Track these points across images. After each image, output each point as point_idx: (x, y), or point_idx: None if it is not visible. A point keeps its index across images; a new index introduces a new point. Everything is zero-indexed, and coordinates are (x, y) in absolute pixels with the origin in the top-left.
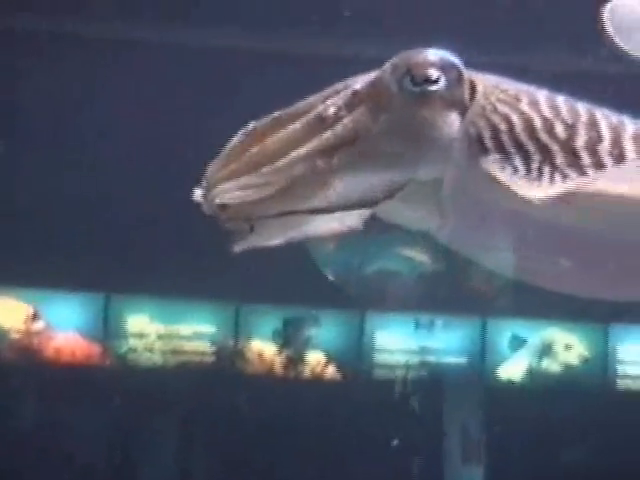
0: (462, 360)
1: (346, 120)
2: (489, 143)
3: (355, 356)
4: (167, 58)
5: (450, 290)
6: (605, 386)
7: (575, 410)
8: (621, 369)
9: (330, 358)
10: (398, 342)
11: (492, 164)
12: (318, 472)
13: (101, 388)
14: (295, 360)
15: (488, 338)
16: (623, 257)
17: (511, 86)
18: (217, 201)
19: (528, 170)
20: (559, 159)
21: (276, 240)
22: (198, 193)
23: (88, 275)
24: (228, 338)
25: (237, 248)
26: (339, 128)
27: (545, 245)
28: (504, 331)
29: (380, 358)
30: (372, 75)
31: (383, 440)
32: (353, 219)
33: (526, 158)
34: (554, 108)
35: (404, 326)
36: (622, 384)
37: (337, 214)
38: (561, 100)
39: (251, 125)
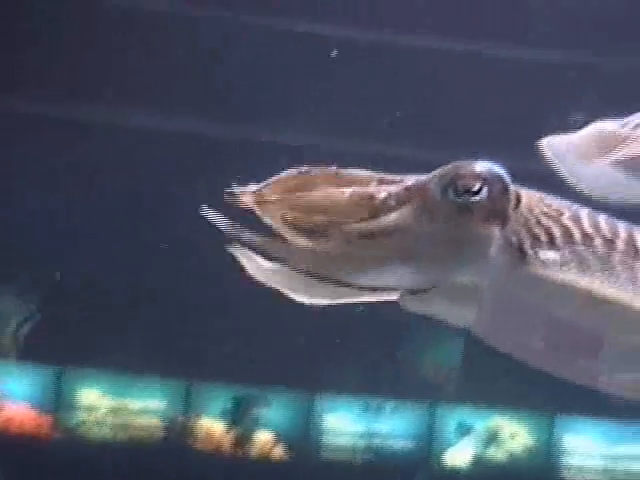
0: (409, 445)
1: (392, 212)
2: (530, 253)
3: (303, 437)
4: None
5: (400, 375)
6: (549, 476)
7: None
8: (565, 460)
9: (279, 438)
10: (346, 424)
11: (532, 270)
12: None
13: (50, 460)
14: (244, 439)
15: (435, 424)
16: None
17: (555, 201)
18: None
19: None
20: (595, 272)
21: (304, 297)
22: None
23: (40, 347)
24: (178, 415)
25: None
26: (383, 218)
27: (577, 346)
28: (451, 417)
29: (328, 440)
30: (423, 178)
31: None
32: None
33: (564, 268)
34: (595, 224)
35: (353, 408)
36: (566, 475)
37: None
38: (602, 217)
39: (306, 169)
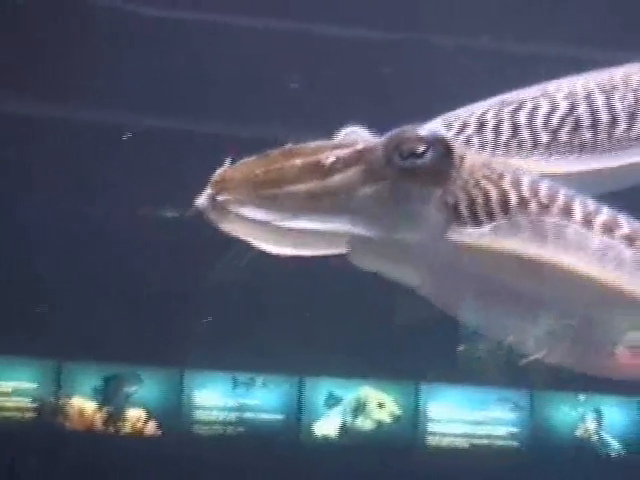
0: (279, 417)
1: (339, 174)
2: (464, 212)
3: (175, 413)
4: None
5: (270, 348)
6: (416, 443)
7: (387, 465)
8: (430, 426)
9: (150, 414)
10: (217, 399)
11: (462, 230)
12: None
13: None
14: (115, 416)
15: (305, 396)
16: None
17: (500, 165)
18: (216, 200)
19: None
20: (525, 235)
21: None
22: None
23: None
24: (49, 395)
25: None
26: (330, 179)
27: (508, 305)
28: (321, 389)
29: (199, 415)
30: (374, 142)
31: None
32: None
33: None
34: (534, 189)
35: (223, 384)
36: (431, 440)
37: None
38: (545, 183)
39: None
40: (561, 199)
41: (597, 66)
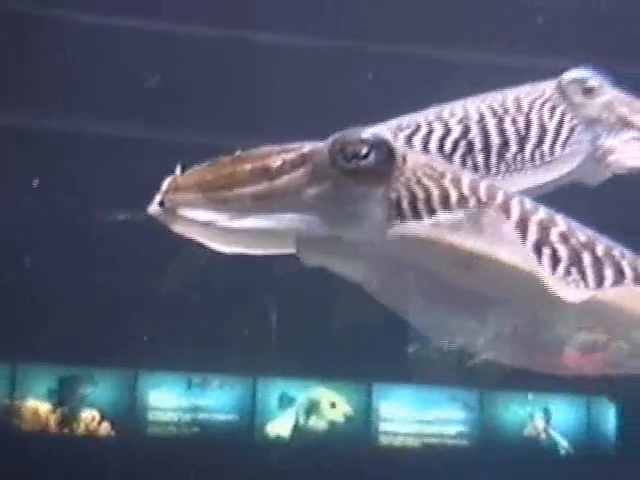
0: (233, 418)
1: (285, 177)
2: (406, 209)
3: (129, 413)
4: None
5: (223, 351)
6: (368, 442)
7: (339, 465)
8: (382, 426)
9: (104, 415)
10: (171, 400)
11: (402, 226)
12: None
13: None
14: (70, 418)
15: (258, 397)
16: (507, 317)
17: (441, 165)
18: (167, 203)
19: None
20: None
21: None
22: (162, 186)
23: None
24: (4, 397)
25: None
26: (277, 181)
27: (451, 301)
28: (274, 390)
29: (153, 415)
30: (319, 145)
31: None
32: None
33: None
34: (473, 187)
35: (177, 385)
36: (383, 440)
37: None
38: (484, 183)
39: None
40: (500, 197)
41: (508, 73)
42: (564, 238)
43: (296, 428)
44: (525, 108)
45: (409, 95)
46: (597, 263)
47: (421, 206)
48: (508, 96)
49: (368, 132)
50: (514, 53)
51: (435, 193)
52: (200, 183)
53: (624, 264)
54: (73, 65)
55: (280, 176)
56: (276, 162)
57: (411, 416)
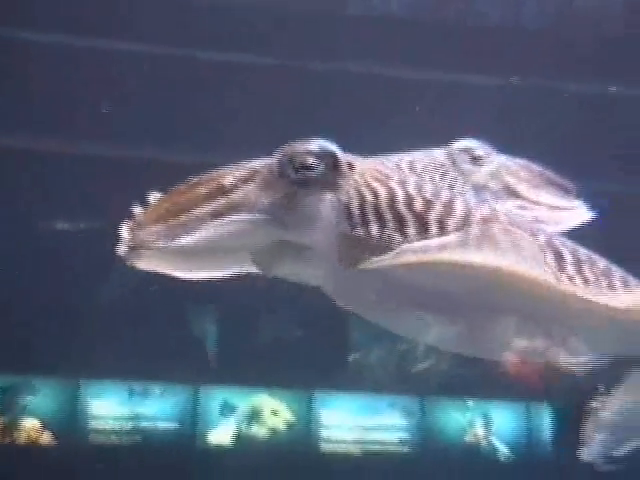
0: (175, 426)
1: (239, 191)
2: (355, 212)
3: (70, 422)
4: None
5: (167, 358)
6: (309, 449)
7: (282, 473)
8: (323, 433)
9: (45, 425)
10: (112, 409)
11: (351, 230)
12: None
13: None
14: (10, 427)
15: (200, 405)
16: (469, 314)
17: (388, 168)
18: (132, 242)
19: (381, 236)
20: (411, 229)
21: (182, 272)
22: (125, 229)
23: None
24: None
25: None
26: (231, 196)
27: (406, 301)
28: (215, 398)
29: (95, 424)
30: (269, 159)
31: None
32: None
33: (382, 226)
34: (419, 187)
35: (118, 393)
36: (324, 447)
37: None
38: (430, 183)
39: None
40: (444, 196)
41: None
42: (506, 232)
43: (238, 436)
44: (418, 172)
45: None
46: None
47: (369, 208)
48: (403, 159)
49: (314, 143)
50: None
51: (382, 195)
52: (160, 214)
53: (564, 250)
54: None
55: (234, 191)
56: (229, 180)
57: (352, 423)
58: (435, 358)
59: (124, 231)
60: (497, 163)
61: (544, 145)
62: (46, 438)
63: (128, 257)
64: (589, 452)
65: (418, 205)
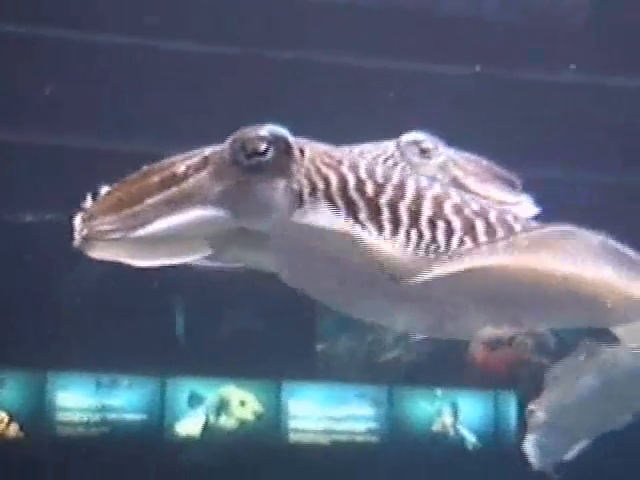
0: (142, 417)
1: (191, 179)
2: (307, 199)
3: (37, 415)
4: None
5: (134, 350)
6: (278, 440)
7: (250, 463)
8: (292, 423)
9: (13, 417)
10: (79, 401)
11: (304, 215)
12: None
13: None
14: None
15: (167, 396)
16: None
17: (339, 153)
18: (85, 232)
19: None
20: (363, 213)
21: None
22: (77, 220)
23: None
24: None
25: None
26: (183, 184)
27: (355, 282)
28: (183, 389)
29: (62, 416)
30: (221, 145)
31: None
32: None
33: (335, 212)
34: (370, 171)
35: (86, 385)
36: (292, 437)
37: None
38: (381, 166)
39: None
40: (395, 178)
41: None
42: (458, 209)
43: (206, 427)
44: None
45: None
46: (490, 229)
47: (320, 195)
48: (353, 151)
49: (265, 129)
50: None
51: (334, 181)
52: (112, 204)
53: (517, 227)
54: None
55: (186, 179)
56: (181, 168)
57: (320, 413)
58: (403, 347)
59: (77, 222)
60: (445, 156)
61: (504, 134)
62: (14, 430)
63: (82, 248)
64: (535, 457)
65: (369, 189)
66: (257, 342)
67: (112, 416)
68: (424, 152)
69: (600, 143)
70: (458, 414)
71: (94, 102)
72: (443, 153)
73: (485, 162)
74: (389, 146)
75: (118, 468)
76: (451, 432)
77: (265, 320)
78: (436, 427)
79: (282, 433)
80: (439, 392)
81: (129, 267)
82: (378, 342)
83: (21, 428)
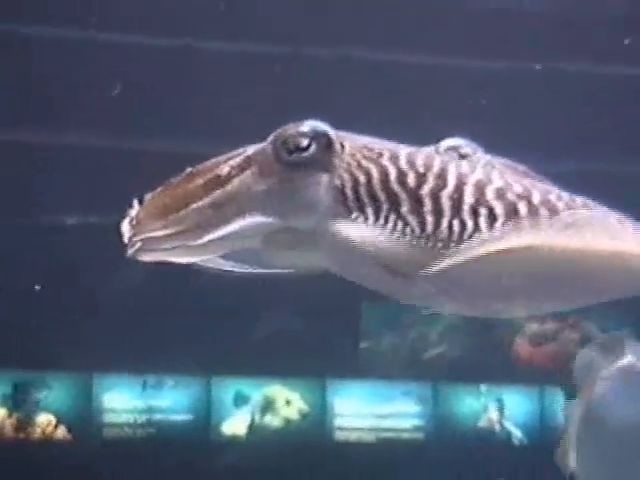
0: (188, 417)
1: (235, 180)
2: (350, 195)
3: (84, 416)
4: None
5: (179, 350)
6: (324, 438)
7: (297, 462)
8: (337, 422)
9: (60, 419)
10: (126, 402)
11: (346, 217)
12: None
13: None
14: (25, 422)
15: (213, 396)
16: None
17: (379, 144)
18: (134, 240)
19: (377, 219)
20: (404, 207)
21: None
22: (125, 226)
23: None
24: None
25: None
26: (228, 186)
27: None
28: (228, 389)
29: (109, 418)
30: (262, 144)
31: None
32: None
33: (377, 208)
34: (411, 161)
35: (131, 386)
36: (339, 435)
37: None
38: (421, 154)
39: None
40: (436, 166)
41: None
42: (500, 194)
43: (252, 426)
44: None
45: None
46: (534, 211)
47: (363, 190)
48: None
49: (306, 124)
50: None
51: (375, 174)
52: (158, 209)
53: (560, 206)
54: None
55: (230, 181)
56: (224, 169)
57: (366, 411)
58: (447, 344)
59: (124, 227)
60: (483, 162)
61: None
62: (61, 432)
63: (130, 253)
64: None
65: (410, 179)
66: (301, 341)
67: (158, 417)
68: (463, 157)
69: None
70: (504, 410)
71: (139, 102)
72: (481, 158)
73: (522, 167)
74: (428, 151)
75: (165, 469)
76: (497, 428)
77: (308, 318)
78: (482, 423)
79: (328, 431)
80: (484, 388)
81: (173, 267)
82: (422, 338)
83: (69, 430)
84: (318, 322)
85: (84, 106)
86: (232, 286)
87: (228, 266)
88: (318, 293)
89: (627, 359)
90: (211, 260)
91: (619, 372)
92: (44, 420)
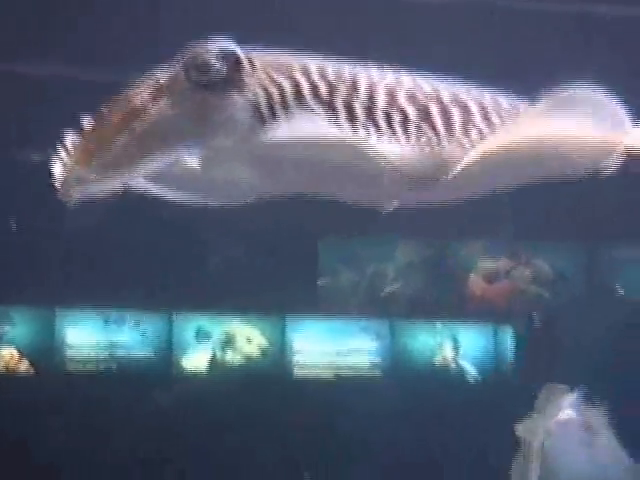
0: (150, 353)
1: (152, 110)
2: (264, 109)
3: (47, 351)
4: None
5: (140, 285)
6: (283, 375)
7: (255, 398)
8: (296, 359)
9: (23, 353)
10: (88, 337)
11: (264, 131)
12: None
13: None
14: None
15: (175, 332)
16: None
17: (287, 58)
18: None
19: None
20: (321, 115)
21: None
22: (56, 169)
23: None
24: None
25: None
26: (145, 117)
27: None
28: (190, 325)
29: (71, 353)
30: (172, 69)
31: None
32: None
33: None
34: (322, 72)
35: (94, 322)
36: (298, 372)
37: None
38: (332, 66)
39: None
40: (346, 74)
41: None
42: (411, 97)
43: (213, 362)
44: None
45: None
46: (444, 111)
47: (277, 103)
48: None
49: (214, 45)
50: None
51: (288, 87)
52: (85, 154)
53: (470, 103)
54: None
55: (147, 110)
56: (138, 100)
57: (324, 348)
58: (403, 281)
59: (55, 169)
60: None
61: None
62: (24, 366)
63: (63, 195)
64: None
65: (323, 91)
66: (261, 278)
67: (120, 352)
68: None
69: None
70: (459, 347)
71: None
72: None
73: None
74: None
75: (127, 403)
76: (452, 365)
77: (265, 255)
78: (438, 360)
79: (287, 368)
80: (440, 325)
81: (133, 203)
82: (379, 275)
83: (32, 364)
84: (276, 260)
85: None
86: (199, 221)
87: (183, 198)
88: (275, 230)
89: (566, 412)
90: (162, 192)
91: (558, 426)
92: (7, 354)
